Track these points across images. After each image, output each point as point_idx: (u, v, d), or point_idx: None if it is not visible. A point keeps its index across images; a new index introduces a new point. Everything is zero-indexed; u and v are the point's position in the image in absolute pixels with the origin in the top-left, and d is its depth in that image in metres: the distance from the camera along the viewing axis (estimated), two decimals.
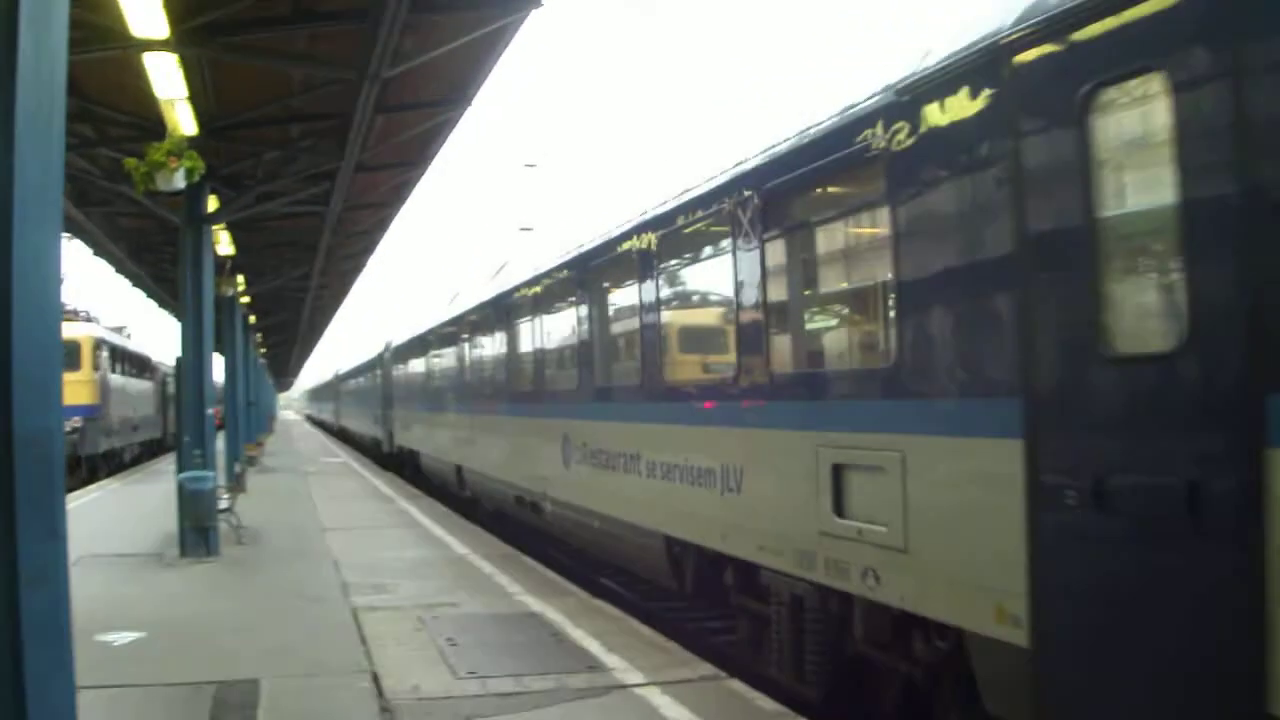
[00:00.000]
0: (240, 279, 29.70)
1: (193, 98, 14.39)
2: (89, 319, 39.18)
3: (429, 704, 8.86)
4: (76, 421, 32.09)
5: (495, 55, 14.61)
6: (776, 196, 9.53)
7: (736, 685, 9.41)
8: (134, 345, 48.11)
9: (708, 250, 11.51)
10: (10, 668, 4.81)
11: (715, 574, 11.07)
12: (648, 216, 12.27)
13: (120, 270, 32.88)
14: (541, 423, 16.95)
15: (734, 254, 10.13)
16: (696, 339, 12.67)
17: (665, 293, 12.21)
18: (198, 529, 16.85)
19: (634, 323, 12.95)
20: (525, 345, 18.60)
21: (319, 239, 24.95)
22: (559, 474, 15.70)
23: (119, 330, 47.04)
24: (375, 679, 9.57)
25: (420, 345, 31.75)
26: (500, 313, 20.10)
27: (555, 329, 16.97)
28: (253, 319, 41.00)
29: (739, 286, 10.12)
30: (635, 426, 12.91)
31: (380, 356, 43.14)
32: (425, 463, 31.39)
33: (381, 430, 42.29)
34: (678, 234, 11.56)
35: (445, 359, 27.44)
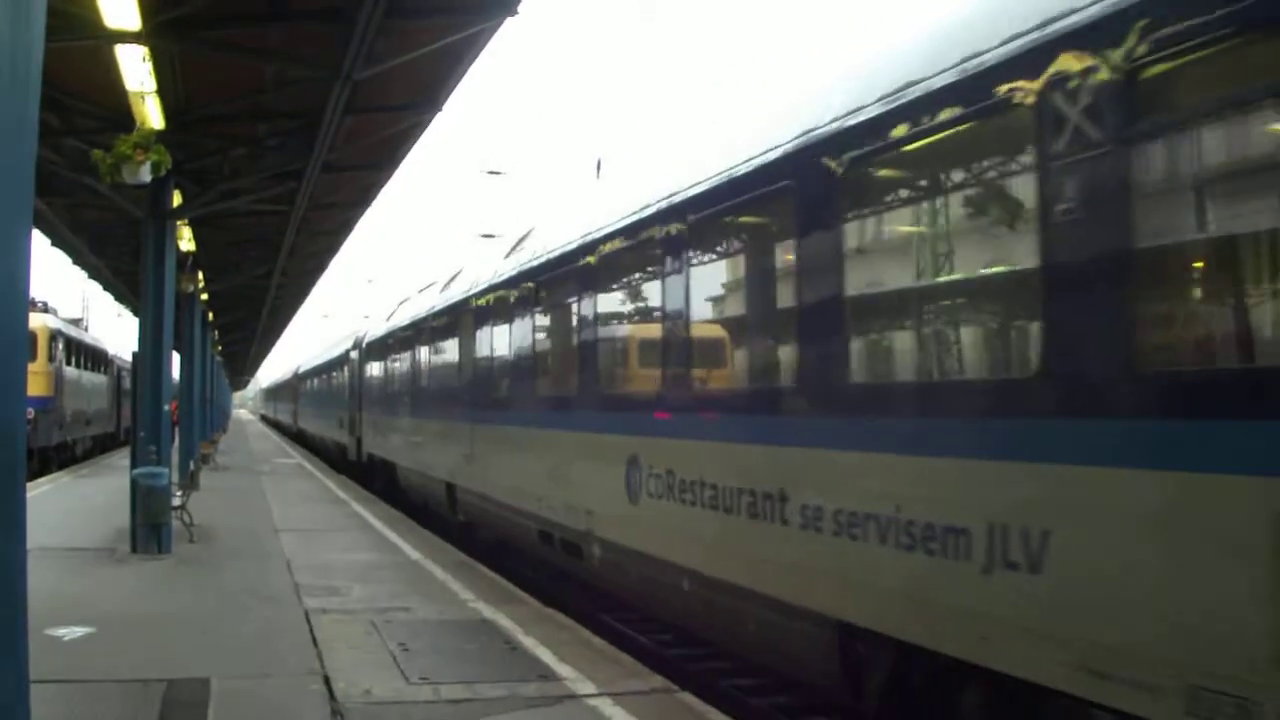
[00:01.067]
0: (200, 276, 29.52)
1: (161, 91, 14.34)
2: (46, 310, 38.88)
3: (381, 708, 8.82)
4: (29, 413, 31.70)
5: (468, 61, 14.60)
6: None
7: (688, 698, 9.40)
8: (90, 338, 47.77)
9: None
10: None
11: (939, 691, 7.57)
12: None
13: (79, 262, 32.63)
14: (591, 439, 13.10)
15: None
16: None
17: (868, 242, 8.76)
18: (150, 526, 16.74)
19: (795, 292, 9.10)
20: (568, 335, 14.41)
21: (282, 238, 24.85)
22: (618, 508, 12.09)
23: (76, 323, 46.73)
24: (327, 681, 9.52)
25: (403, 339, 27.01)
26: (527, 295, 16.09)
27: (627, 311, 13.38)
28: (211, 316, 40.71)
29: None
30: (787, 452, 9.02)
31: (348, 353, 38.90)
32: (404, 477, 26.62)
33: (348, 436, 37.49)
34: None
35: (438, 354, 23.16)
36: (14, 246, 5.08)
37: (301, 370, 67.18)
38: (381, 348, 30.93)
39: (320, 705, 8.84)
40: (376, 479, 30.86)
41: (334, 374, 44.10)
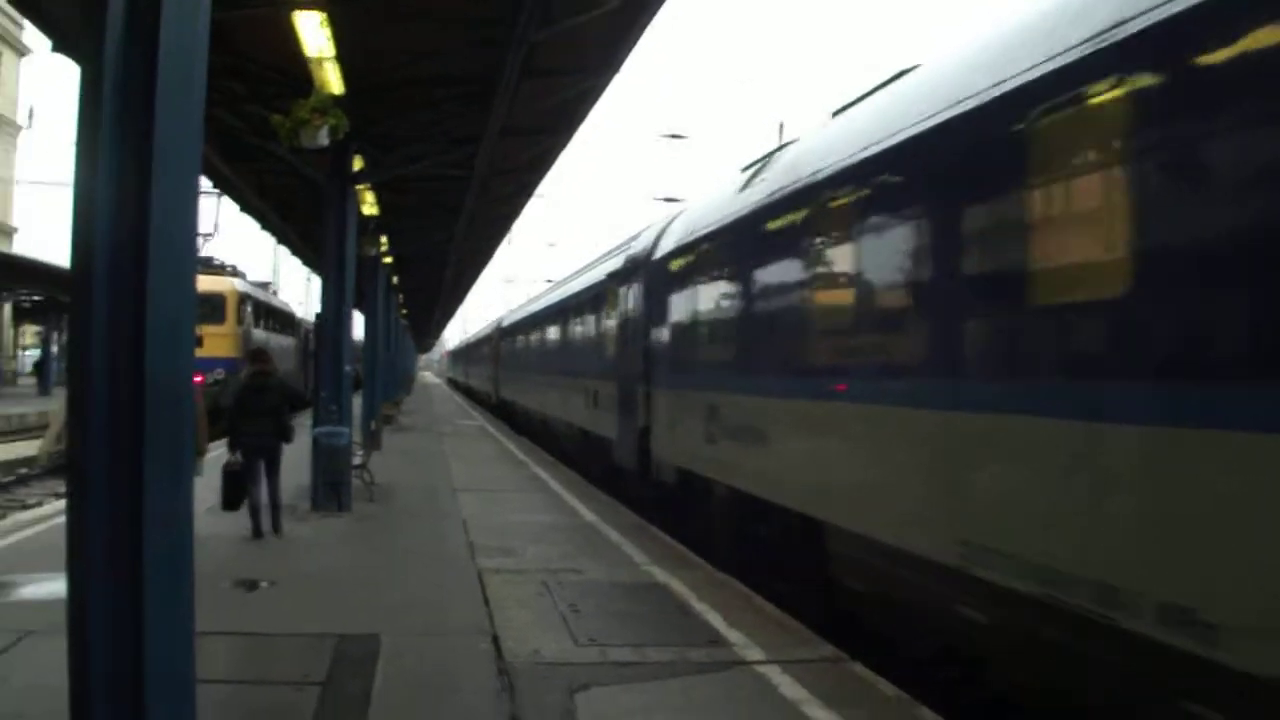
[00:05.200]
0: (383, 240, 29.96)
1: (340, 57, 14.49)
2: (235, 273, 39.85)
3: (547, 668, 8.81)
4: (219, 373, 32.57)
5: (643, 22, 14.48)
6: None
7: (858, 669, 9.21)
8: (278, 301, 48.88)
9: None
10: (133, 607, 4.90)
11: None
12: None
13: (267, 227, 33.33)
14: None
15: None
16: None
17: None
18: (330, 483, 17.09)
19: None
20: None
21: (462, 202, 25.05)
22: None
23: (265, 286, 47.87)
24: (495, 641, 9.56)
25: (764, 241, 13.13)
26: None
27: None
28: (395, 280, 41.33)
29: None
30: None
31: (611, 285, 23.20)
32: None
33: (614, 423, 21.59)
34: None
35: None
36: (182, 206, 5.20)
37: (508, 323, 53.30)
38: (700, 267, 15.89)
39: (487, 664, 8.87)
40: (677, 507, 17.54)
41: (577, 321, 28.62)
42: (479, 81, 15.99)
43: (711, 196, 16.77)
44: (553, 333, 33.97)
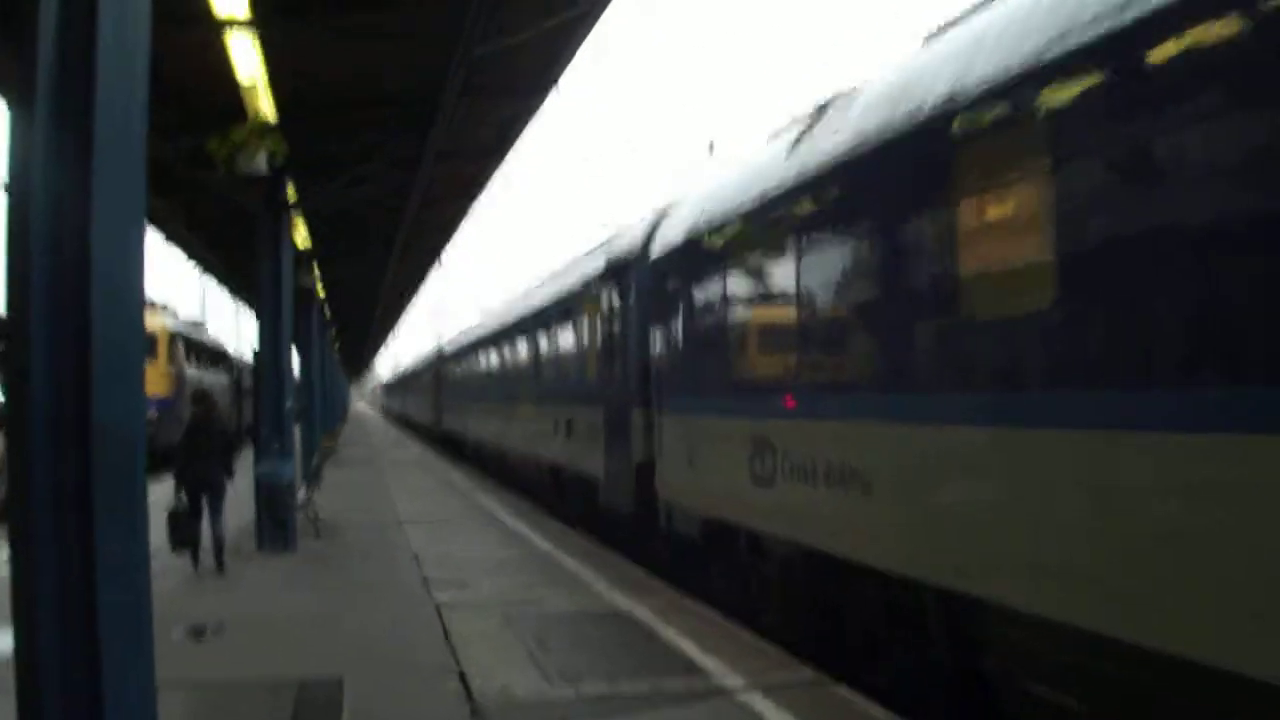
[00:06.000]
0: (316, 270, 29.48)
1: (273, 82, 14.09)
2: (166, 310, 39.25)
3: (521, 708, 8.43)
4: (152, 414, 32.01)
5: (577, 40, 14.26)
6: None
7: (843, 691, 8.91)
8: (209, 338, 48.22)
9: None
10: (89, 665, 4.57)
11: None
12: None
13: (194, 256, 32.75)
14: None
15: None
16: None
17: None
18: (276, 522, 16.64)
19: None
20: None
21: (396, 230, 24.63)
22: None
23: (197, 325, 47.17)
24: (463, 679, 9.17)
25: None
26: None
27: None
28: (328, 312, 40.80)
29: None
30: None
31: (594, 287, 19.46)
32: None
33: (601, 454, 18.25)
34: None
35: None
36: (128, 245, 4.95)
37: (451, 348, 49.09)
38: (736, 257, 12.46)
39: (458, 706, 8.47)
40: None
41: (537, 339, 25.45)
42: (417, 102, 15.59)
43: (733, 173, 13.30)
44: (506, 354, 30.80)
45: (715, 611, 12.12)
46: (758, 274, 11.88)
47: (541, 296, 25.73)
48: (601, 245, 20.99)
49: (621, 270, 17.47)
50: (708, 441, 13.12)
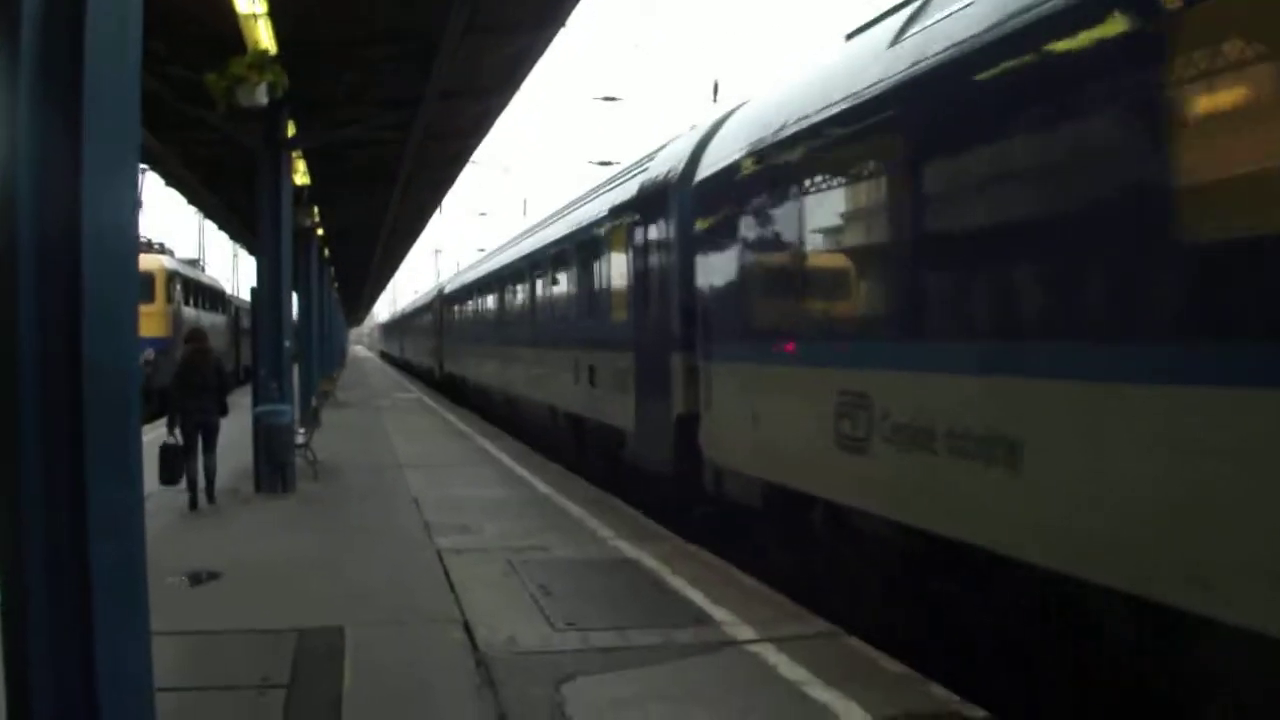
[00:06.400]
0: (315, 210, 29.12)
1: (273, 13, 13.71)
2: (163, 250, 38.94)
3: (528, 659, 8.18)
4: (149, 354, 31.85)
5: None
6: None
7: (855, 643, 8.68)
8: (207, 278, 47.91)
9: None
10: (81, 622, 4.31)
11: None
12: None
13: (193, 200, 32.44)
14: None
15: None
16: None
17: None
18: (274, 464, 16.42)
19: None
20: None
21: (398, 169, 24.24)
22: None
23: (193, 263, 46.85)
24: (467, 628, 8.94)
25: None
26: None
27: None
28: (326, 252, 40.41)
29: None
30: None
31: (605, 233, 18.72)
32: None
33: (632, 404, 16.43)
34: None
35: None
36: (121, 178, 4.63)
37: (454, 287, 47.05)
38: (814, 174, 10.56)
39: (463, 656, 8.23)
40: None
41: (554, 276, 23.46)
42: (420, 38, 15.20)
43: (810, 75, 11.25)
44: (517, 293, 28.62)
45: (720, 559, 11.87)
46: (855, 190, 9.95)
47: (559, 229, 23.61)
48: (630, 169, 19.01)
49: (658, 196, 15.37)
50: (775, 394, 11.14)
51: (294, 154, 19.36)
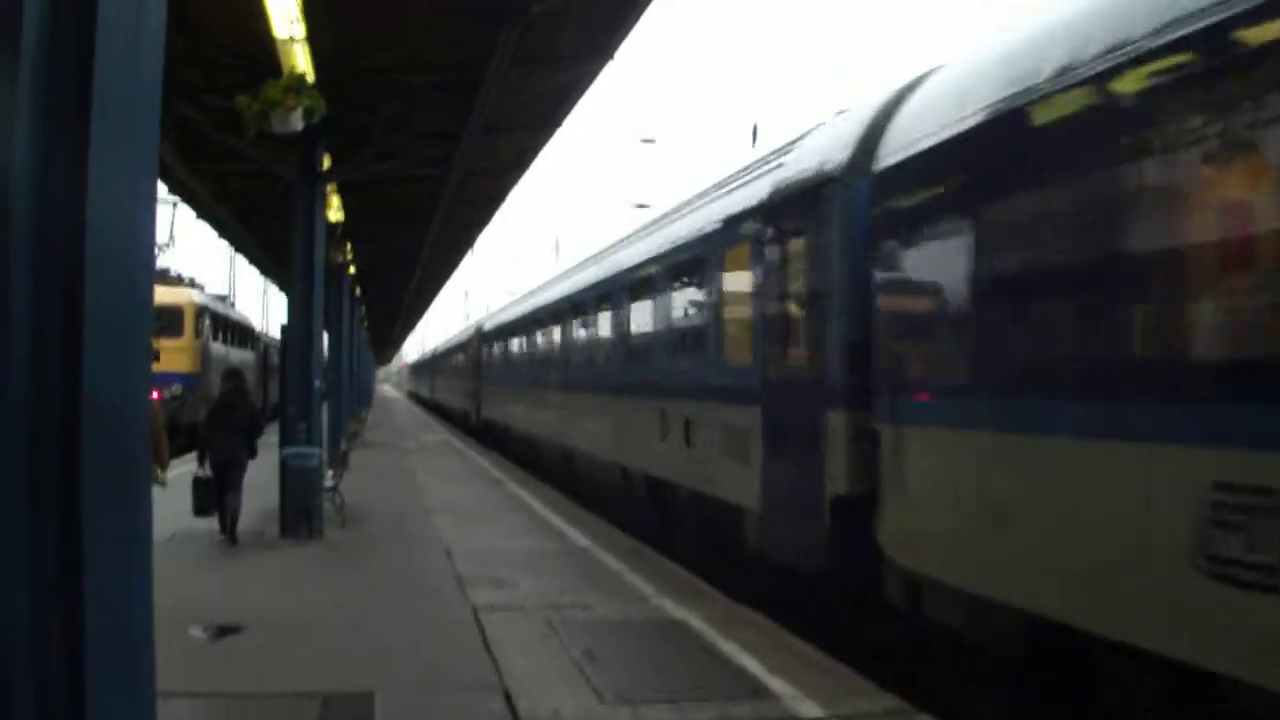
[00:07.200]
0: (348, 246, 28.64)
1: (312, 38, 13.13)
2: (193, 285, 38.58)
3: None
4: (177, 389, 31.52)
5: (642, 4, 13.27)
6: None
7: None
8: (236, 313, 47.54)
9: None
10: (71, 697, 3.62)
11: None
12: None
13: (224, 234, 32.08)
14: None
15: None
16: None
17: None
18: (301, 508, 15.76)
19: None
20: None
21: (435, 205, 23.64)
22: None
23: (223, 299, 46.46)
24: (507, 698, 8.20)
25: None
26: None
27: None
28: (357, 290, 39.91)
29: None
30: None
31: (718, 250, 14.75)
32: None
33: (759, 475, 12.60)
34: None
35: None
36: (140, 201, 3.99)
37: (495, 323, 42.73)
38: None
39: None
40: None
41: (635, 307, 19.18)
42: (462, 69, 14.63)
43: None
44: (578, 330, 24.40)
45: (773, 622, 11.10)
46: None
47: (640, 251, 19.32)
48: (738, 177, 15.32)
49: (806, 196, 11.68)
50: (1053, 479, 7.45)
51: (329, 187, 18.81)
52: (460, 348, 57.37)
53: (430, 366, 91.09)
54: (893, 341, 9.81)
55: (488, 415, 42.18)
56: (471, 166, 19.96)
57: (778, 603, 11.77)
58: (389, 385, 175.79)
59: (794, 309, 12.00)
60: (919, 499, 9.20)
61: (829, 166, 11.25)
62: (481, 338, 45.69)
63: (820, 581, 11.04)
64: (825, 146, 11.80)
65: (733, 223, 14.11)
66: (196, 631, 9.94)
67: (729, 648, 9.89)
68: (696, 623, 10.90)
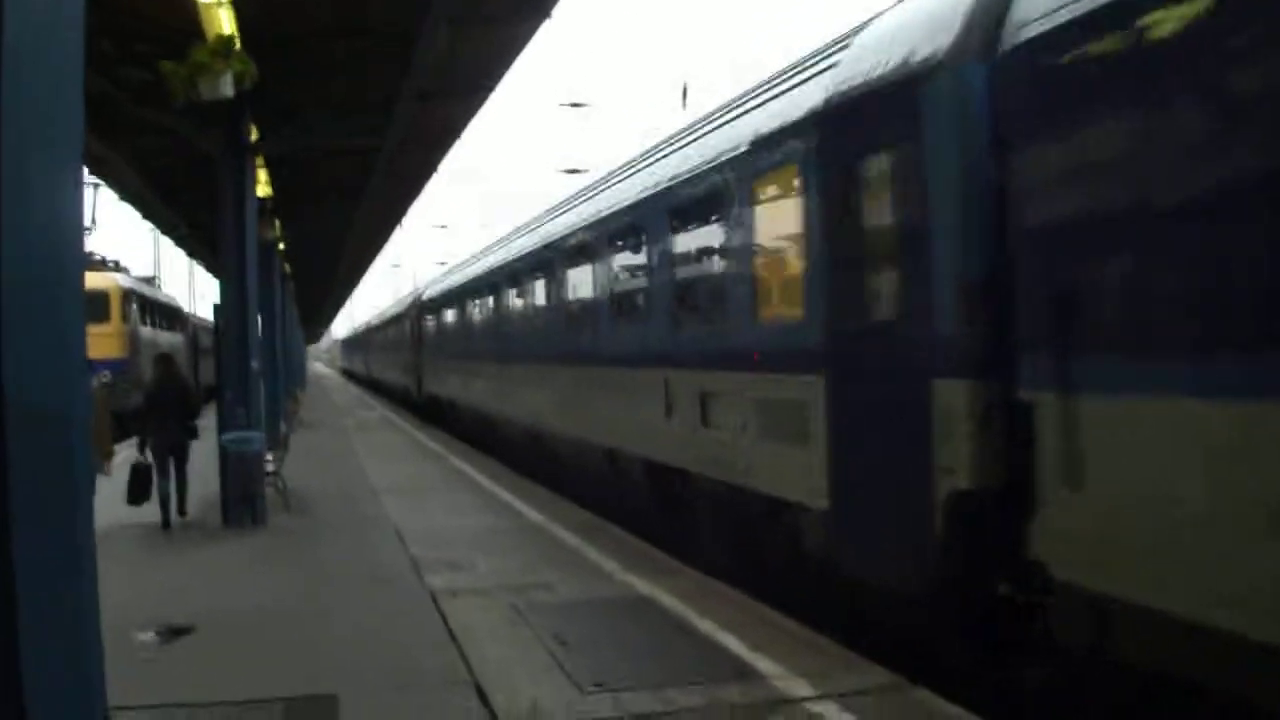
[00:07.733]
0: (277, 223, 27.93)
1: (234, 1, 12.48)
2: (117, 268, 37.66)
3: None
4: (106, 376, 30.74)
5: None
6: None
7: (926, 696, 7.55)
8: (164, 296, 46.63)
9: None
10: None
11: None
12: None
13: (149, 216, 31.25)
14: None
15: None
16: None
17: None
18: (243, 496, 15.17)
19: None
20: None
21: (366, 178, 23.03)
22: None
23: (149, 281, 45.52)
24: (480, 693, 7.71)
25: None
26: None
27: None
28: (288, 268, 39.09)
29: None
30: None
31: (752, 179, 11.43)
32: None
33: (826, 461, 9.60)
34: None
35: None
36: (64, 186, 3.62)
37: (439, 289, 38.76)
38: None
39: None
40: None
41: (628, 256, 15.62)
42: (395, 33, 14.00)
43: None
44: (542, 290, 21.05)
45: (747, 596, 10.64)
46: None
47: (631, 189, 15.69)
48: (758, 89, 12.48)
49: (889, 99, 8.84)
50: None
51: (257, 161, 18.15)
52: (396, 319, 53.20)
53: (364, 341, 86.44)
54: (1064, 275, 6.99)
55: (431, 390, 38.90)
56: (404, 136, 19.34)
57: (855, 627, 9.47)
58: (320, 363, 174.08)
59: (874, 245, 9.12)
60: (1119, 496, 6.49)
61: (927, 52, 8.38)
62: (421, 307, 42.17)
63: (920, 603, 8.52)
64: (908, 33, 8.86)
65: (767, 143, 11.11)
66: (146, 635, 9.39)
67: (705, 625, 9.45)
68: (667, 599, 10.45)
